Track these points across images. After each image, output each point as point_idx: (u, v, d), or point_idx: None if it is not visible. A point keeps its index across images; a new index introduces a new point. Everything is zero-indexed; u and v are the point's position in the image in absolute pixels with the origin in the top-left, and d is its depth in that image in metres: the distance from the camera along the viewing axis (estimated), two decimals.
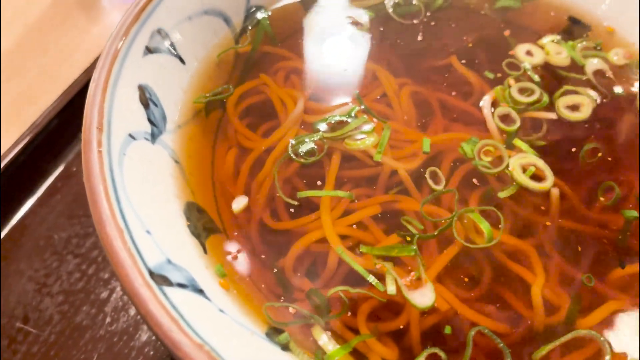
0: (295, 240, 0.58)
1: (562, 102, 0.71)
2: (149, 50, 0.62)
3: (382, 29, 0.79)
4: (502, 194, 0.62)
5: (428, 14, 0.81)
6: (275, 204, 0.62)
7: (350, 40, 0.78)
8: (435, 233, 0.58)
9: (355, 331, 0.54)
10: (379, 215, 0.61)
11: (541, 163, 0.64)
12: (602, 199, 0.64)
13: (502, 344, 0.52)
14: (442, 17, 0.81)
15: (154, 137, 0.59)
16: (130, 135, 0.56)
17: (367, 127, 0.67)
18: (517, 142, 0.67)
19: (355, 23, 0.79)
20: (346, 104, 0.69)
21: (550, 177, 0.63)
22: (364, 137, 0.65)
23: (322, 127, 0.66)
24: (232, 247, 0.59)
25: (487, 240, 0.58)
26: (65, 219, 0.80)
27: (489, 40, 0.78)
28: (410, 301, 0.54)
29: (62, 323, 0.71)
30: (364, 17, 0.80)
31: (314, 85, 0.72)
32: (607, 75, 0.75)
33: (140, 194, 0.53)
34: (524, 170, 0.64)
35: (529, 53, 0.76)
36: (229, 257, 0.58)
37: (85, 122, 0.53)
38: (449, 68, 0.75)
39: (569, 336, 0.54)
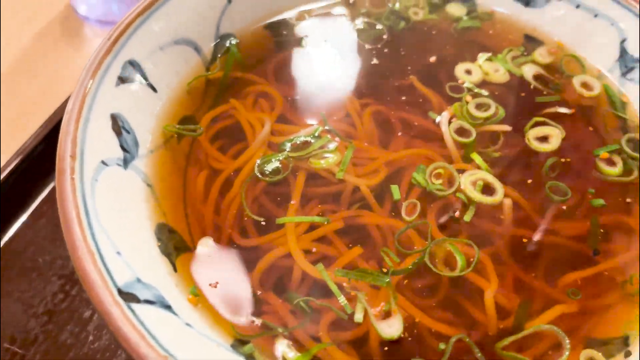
0: (262, 256, 0.62)
1: (532, 134, 0.74)
2: (121, 81, 0.66)
3: (346, 52, 0.83)
4: (467, 217, 0.65)
5: (390, 37, 0.85)
6: (244, 222, 0.65)
7: (316, 63, 0.81)
8: (410, 267, 0.61)
9: (318, 340, 0.57)
10: (343, 229, 0.65)
11: (490, 177, 0.68)
12: (557, 205, 0.67)
13: (479, 354, 0.56)
14: (405, 39, 0.85)
15: (126, 162, 0.63)
16: (103, 162, 0.59)
17: (331, 146, 0.70)
18: (474, 155, 0.70)
19: (321, 47, 0.83)
20: (311, 124, 0.73)
21: (500, 190, 0.67)
22: (328, 156, 0.69)
23: (288, 147, 0.70)
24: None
25: (460, 269, 0.61)
26: (50, 242, 0.83)
27: (449, 59, 0.82)
28: (378, 331, 0.57)
29: (47, 342, 0.74)
30: (329, 41, 0.84)
31: (282, 107, 0.75)
32: (544, 76, 0.79)
33: (112, 217, 0.56)
34: (475, 186, 0.67)
35: (468, 72, 0.80)
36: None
37: (59, 151, 0.56)
38: (410, 88, 0.78)
39: (530, 330, 0.58)
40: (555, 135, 0.73)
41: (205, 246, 0.62)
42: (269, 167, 0.68)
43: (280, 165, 0.68)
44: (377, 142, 0.73)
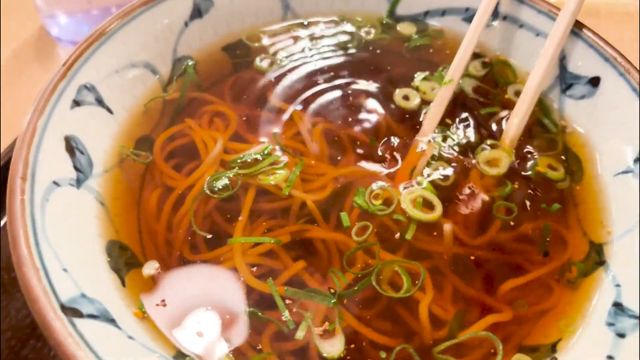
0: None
1: (482, 158, 0.76)
2: (76, 104, 0.69)
3: (300, 72, 0.86)
4: (409, 235, 0.68)
5: (343, 57, 0.88)
6: (195, 239, 0.68)
7: (270, 83, 0.85)
8: (356, 288, 0.63)
9: (260, 351, 0.60)
10: (289, 244, 0.67)
11: (428, 194, 0.70)
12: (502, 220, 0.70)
13: None
14: (357, 59, 0.88)
15: (79, 182, 0.66)
16: (55, 182, 0.62)
17: (281, 163, 0.73)
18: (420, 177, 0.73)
19: (275, 67, 0.87)
20: (262, 142, 0.76)
21: (438, 207, 0.70)
22: (277, 173, 0.72)
23: (238, 164, 0.73)
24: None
25: (405, 291, 0.63)
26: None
27: (399, 77, 0.85)
28: (319, 350, 0.60)
29: (10, 357, 0.76)
30: (283, 62, 0.87)
31: (235, 126, 0.78)
32: (482, 87, 0.83)
33: (61, 235, 0.59)
34: (415, 204, 0.70)
35: (405, 98, 0.83)
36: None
37: (11, 173, 0.59)
38: (360, 107, 0.82)
39: (467, 335, 0.61)
40: (503, 159, 0.75)
41: (152, 269, 0.65)
42: (219, 184, 0.71)
43: (229, 182, 0.71)
44: (326, 159, 0.75)
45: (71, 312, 0.52)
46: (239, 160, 0.73)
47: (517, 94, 0.80)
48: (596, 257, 0.66)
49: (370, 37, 0.91)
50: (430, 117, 0.79)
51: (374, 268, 0.64)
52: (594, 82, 0.76)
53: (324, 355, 0.59)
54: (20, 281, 0.52)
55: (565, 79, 0.79)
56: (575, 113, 0.79)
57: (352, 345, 0.60)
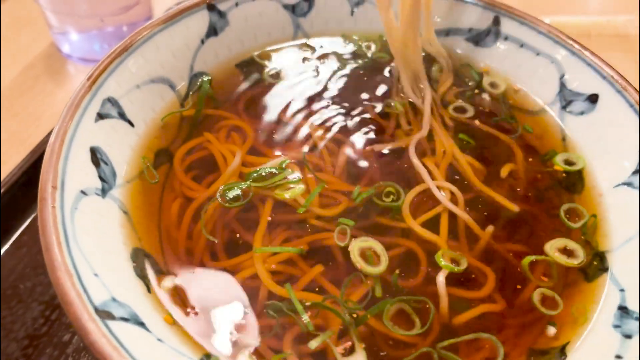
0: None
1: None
2: (100, 117, 0.71)
3: (312, 87, 0.90)
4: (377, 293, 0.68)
5: (351, 73, 0.92)
6: (215, 247, 0.70)
7: (285, 98, 0.88)
8: (368, 316, 0.65)
9: (281, 352, 0.62)
10: (307, 253, 0.70)
11: (379, 247, 0.70)
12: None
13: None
14: (364, 75, 0.92)
15: (104, 192, 0.68)
16: (82, 192, 0.64)
17: (295, 177, 0.76)
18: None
19: (288, 83, 0.90)
20: (278, 156, 0.79)
21: (384, 261, 0.69)
22: (292, 187, 0.75)
23: (254, 177, 0.76)
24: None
25: (417, 328, 0.64)
26: (31, 270, 0.87)
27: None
28: None
29: None
30: (296, 77, 0.91)
31: (252, 140, 0.81)
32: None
33: (90, 242, 0.61)
34: (362, 253, 0.69)
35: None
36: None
37: (42, 182, 0.61)
38: (374, 122, 0.85)
39: (470, 336, 0.63)
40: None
41: (170, 282, 0.67)
42: (231, 194, 0.73)
43: (241, 193, 0.73)
44: (345, 177, 0.78)
45: (104, 314, 0.54)
46: (254, 174, 0.76)
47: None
48: (599, 264, 0.70)
49: (376, 55, 0.95)
50: None
51: (386, 302, 0.65)
52: (593, 98, 0.80)
53: None
54: (55, 285, 0.54)
55: (565, 96, 0.84)
56: (575, 128, 0.83)
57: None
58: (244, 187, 0.74)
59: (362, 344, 0.63)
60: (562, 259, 0.70)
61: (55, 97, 1.15)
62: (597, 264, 0.70)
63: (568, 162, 0.80)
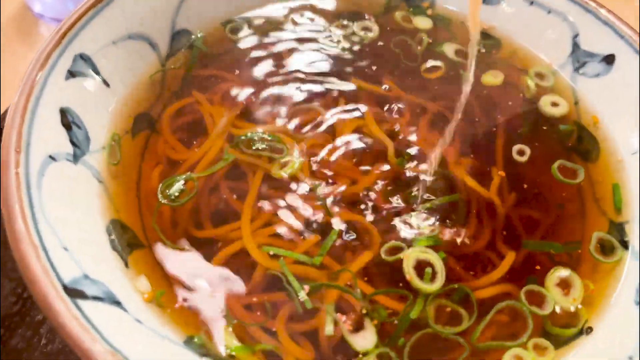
0: (218, 251, 0.61)
1: None
2: (71, 74, 0.64)
3: (309, 54, 0.82)
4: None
5: (357, 43, 0.85)
6: (200, 216, 0.64)
7: (275, 63, 0.81)
8: (396, 322, 0.59)
9: (274, 334, 0.56)
10: (301, 227, 0.64)
11: (439, 264, 0.62)
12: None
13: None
14: (372, 45, 0.85)
15: (76, 157, 0.61)
16: (51, 157, 0.58)
17: (285, 148, 0.70)
18: None
19: (282, 47, 0.83)
20: (273, 123, 0.73)
21: (440, 279, 0.61)
22: (289, 161, 0.68)
23: (242, 141, 0.70)
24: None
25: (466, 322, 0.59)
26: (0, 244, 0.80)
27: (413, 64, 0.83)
28: (352, 345, 0.56)
29: None
30: (291, 42, 0.84)
31: (241, 104, 0.75)
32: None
33: (59, 212, 0.54)
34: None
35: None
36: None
37: (4, 144, 0.55)
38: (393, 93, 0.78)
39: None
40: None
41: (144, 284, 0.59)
42: (174, 190, 0.66)
43: (184, 188, 0.66)
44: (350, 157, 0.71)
45: (75, 293, 0.48)
46: (242, 138, 0.70)
47: None
48: (618, 236, 0.65)
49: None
50: None
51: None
52: (609, 59, 0.74)
53: (358, 349, 0.56)
54: (18, 260, 0.48)
55: (578, 57, 0.78)
56: (589, 92, 0.77)
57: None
58: (185, 181, 0.67)
59: (375, 320, 0.58)
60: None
61: (27, 60, 1.06)
62: (615, 236, 0.65)
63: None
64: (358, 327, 0.57)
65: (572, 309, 0.60)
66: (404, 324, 0.58)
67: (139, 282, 0.58)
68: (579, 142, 0.74)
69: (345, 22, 0.86)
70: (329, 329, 0.57)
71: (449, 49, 0.84)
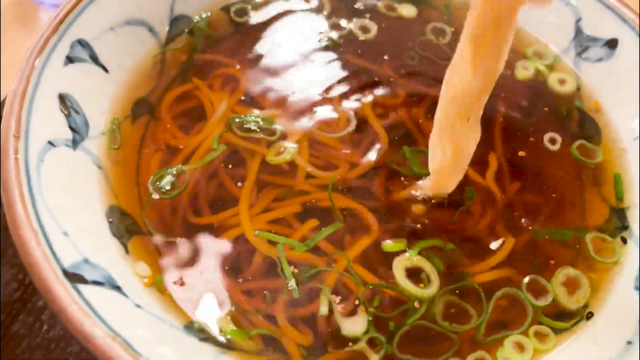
0: (216, 237, 0.61)
1: None
2: (70, 60, 0.64)
3: (307, 40, 0.82)
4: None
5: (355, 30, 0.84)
6: (199, 202, 0.64)
7: (270, 47, 0.80)
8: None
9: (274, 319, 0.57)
10: (300, 213, 0.64)
11: (429, 267, 0.61)
12: None
13: None
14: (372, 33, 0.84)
15: (75, 143, 0.61)
16: (50, 143, 0.58)
17: (279, 131, 0.70)
18: None
19: (281, 33, 0.82)
20: (272, 109, 0.72)
21: (435, 283, 0.61)
22: (285, 148, 0.68)
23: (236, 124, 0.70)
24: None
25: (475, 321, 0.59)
26: (1, 231, 0.80)
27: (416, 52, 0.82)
28: (341, 328, 0.57)
29: None
30: (289, 28, 0.83)
31: (241, 89, 0.74)
32: None
33: (59, 198, 0.54)
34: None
35: None
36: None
37: (3, 130, 0.55)
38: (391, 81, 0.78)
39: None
40: None
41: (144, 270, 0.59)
42: (165, 183, 0.65)
43: (174, 180, 0.65)
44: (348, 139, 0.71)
45: (75, 277, 0.48)
46: (237, 120, 0.70)
47: None
48: (618, 222, 0.65)
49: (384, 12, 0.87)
50: None
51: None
52: (612, 44, 0.74)
53: (346, 333, 0.56)
54: (18, 244, 0.48)
55: (580, 42, 0.77)
56: (591, 76, 0.76)
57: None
58: (176, 172, 0.66)
59: (369, 307, 0.58)
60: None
61: (26, 46, 1.06)
62: (615, 222, 0.65)
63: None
64: (351, 312, 0.58)
65: (574, 307, 0.60)
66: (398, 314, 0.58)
67: (138, 266, 0.58)
68: (581, 127, 0.74)
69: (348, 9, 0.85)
70: (323, 310, 0.57)
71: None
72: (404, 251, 0.62)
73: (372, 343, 0.56)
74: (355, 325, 0.57)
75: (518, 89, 0.78)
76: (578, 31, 0.77)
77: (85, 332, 0.44)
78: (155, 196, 0.64)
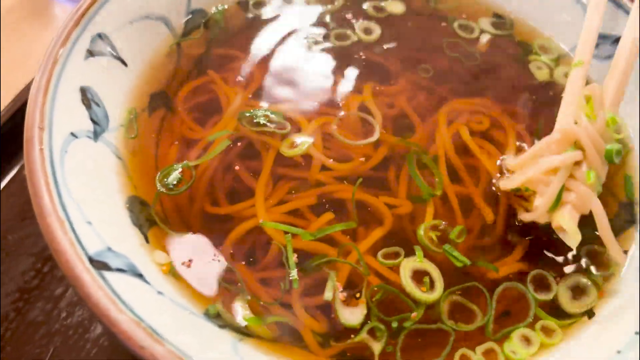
0: (233, 228, 0.62)
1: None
2: (90, 54, 0.65)
3: (321, 35, 0.83)
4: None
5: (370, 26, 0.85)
6: (216, 193, 0.65)
7: (289, 44, 0.81)
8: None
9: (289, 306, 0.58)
10: (315, 205, 0.65)
11: (435, 273, 0.62)
12: None
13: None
14: (386, 27, 0.85)
15: (96, 135, 0.63)
16: (72, 134, 0.59)
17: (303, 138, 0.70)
18: None
19: (295, 27, 0.83)
20: (286, 103, 0.74)
21: (439, 288, 0.61)
22: (299, 142, 0.69)
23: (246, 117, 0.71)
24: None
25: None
26: (19, 221, 0.82)
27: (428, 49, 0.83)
28: (339, 315, 0.58)
29: (18, 320, 0.73)
30: (304, 22, 0.84)
31: (256, 83, 0.76)
32: None
33: (81, 188, 0.56)
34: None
35: None
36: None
37: (27, 122, 0.56)
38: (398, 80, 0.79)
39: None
40: None
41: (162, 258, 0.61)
42: (172, 179, 0.66)
43: (181, 176, 0.66)
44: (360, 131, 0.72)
45: (100, 265, 0.50)
46: (250, 113, 0.71)
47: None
48: (627, 216, 0.66)
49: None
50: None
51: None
52: None
53: (343, 321, 0.58)
54: (45, 233, 0.50)
55: None
56: (600, 74, 0.77)
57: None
58: (181, 169, 0.67)
59: (372, 298, 0.59)
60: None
61: (41, 40, 1.08)
62: (623, 216, 0.66)
63: None
64: (352, 303, 0.59)
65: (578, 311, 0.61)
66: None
67: (156, 254, 0.59)
68: None
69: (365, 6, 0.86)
70: (327, 295, 0.59)
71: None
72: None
73: (373, 334, 0.58)
74: (352, 315, 0.58)
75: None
76: None
77: (111, 317, 0.46)
78: (163, 190, 0.65)
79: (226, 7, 0.83)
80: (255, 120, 0.70)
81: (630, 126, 0.74)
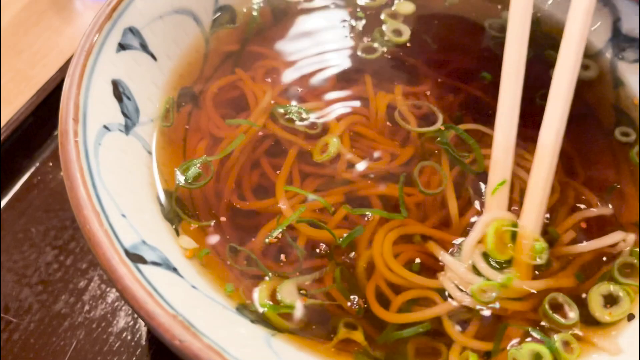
0: (262, 224, 0.63)
1: None
2: (121, 47, 0.65)
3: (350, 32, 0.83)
4: None
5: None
6: (243, 189, 0.66)
7: (319, 41, 0.81)
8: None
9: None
10: (342, 202, 0.65)
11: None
12: None
13: None
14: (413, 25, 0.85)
15: (127, 128, 0.63)
16: (105, 127, 0.59)
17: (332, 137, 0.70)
18: None
19: (326, 24, 0.83)
20: (314, 101, 0.74)
21: None
22: (330, 142, 0.69)
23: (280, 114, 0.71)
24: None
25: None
26: (43, 213, 0.82)
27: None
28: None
29: (42, 312, 0.74)
30: (334, 20, 0.84)
31: (286, 82, 0.76)
32: None
33: (115, 181, 0.56)
34: None
35: None
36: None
37: (62, 114, 0.56)
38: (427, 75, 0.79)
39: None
40: None
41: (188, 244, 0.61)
42: (191, 174, 0.66)
43: (200, 171, 0.66)
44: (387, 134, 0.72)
45: (135, 257, 0.50)
46: (279, 110, 0.71)
47: None
48: None
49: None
50: None
51: None
52: None
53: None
54: (81, 225, 0.50)
55: (619, 42, 0.78)
56: (629, 77, 0.77)
57: None
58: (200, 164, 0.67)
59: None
60: None
61: (62, 34, 1.08)
62: None
63: None
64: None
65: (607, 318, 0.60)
66: None
67: (182, 239, 0.60)
68: (617, 126, 0.75)
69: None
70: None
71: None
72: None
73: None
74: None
75: None
76: (616, 31, 0.78)
77: (149, 311, 0.46)
78: (182, 184, 0.65)
79: (256, 5, 0.83)
80: (287, 117, 0.70)
81: None
